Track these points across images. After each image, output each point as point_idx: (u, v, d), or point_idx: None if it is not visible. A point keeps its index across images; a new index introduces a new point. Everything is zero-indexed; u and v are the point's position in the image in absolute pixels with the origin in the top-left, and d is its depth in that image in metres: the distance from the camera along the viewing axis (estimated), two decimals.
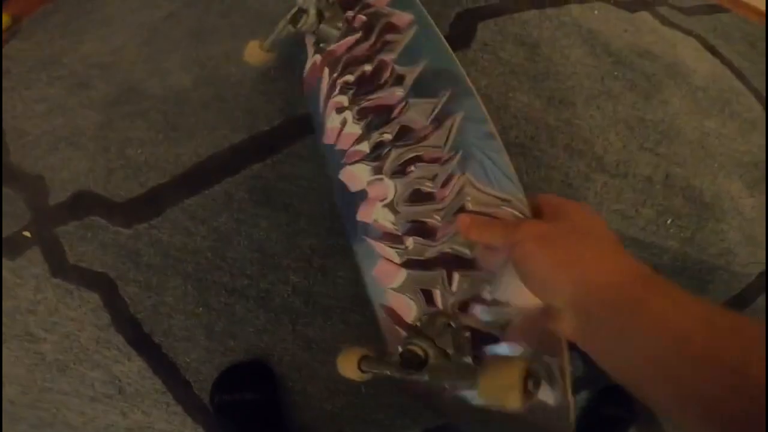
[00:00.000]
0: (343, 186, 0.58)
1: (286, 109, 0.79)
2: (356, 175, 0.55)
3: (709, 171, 0.87)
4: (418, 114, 0.49)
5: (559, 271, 0.32)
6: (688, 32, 1.00)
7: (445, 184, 0.46)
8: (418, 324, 0.47)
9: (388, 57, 0.53)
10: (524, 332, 0.40)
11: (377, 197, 0.53)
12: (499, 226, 0.38)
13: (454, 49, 0.89)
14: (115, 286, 0.74)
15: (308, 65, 0.65)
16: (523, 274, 0.34)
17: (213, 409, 0.75)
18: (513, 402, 0.32)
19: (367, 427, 0.74)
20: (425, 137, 0.48)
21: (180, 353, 0.75)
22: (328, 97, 0.60)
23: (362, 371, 0.47)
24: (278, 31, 0.60)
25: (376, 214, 0.53)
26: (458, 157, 0.45)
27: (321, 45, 0.62)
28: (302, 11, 0.58)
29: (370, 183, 0.54)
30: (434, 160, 0.47)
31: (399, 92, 0.52)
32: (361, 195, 0.55)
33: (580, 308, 0.30)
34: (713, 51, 0.99)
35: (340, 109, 0.58)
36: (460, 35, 0.85)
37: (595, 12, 0.93)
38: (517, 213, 0.40)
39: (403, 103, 0.51)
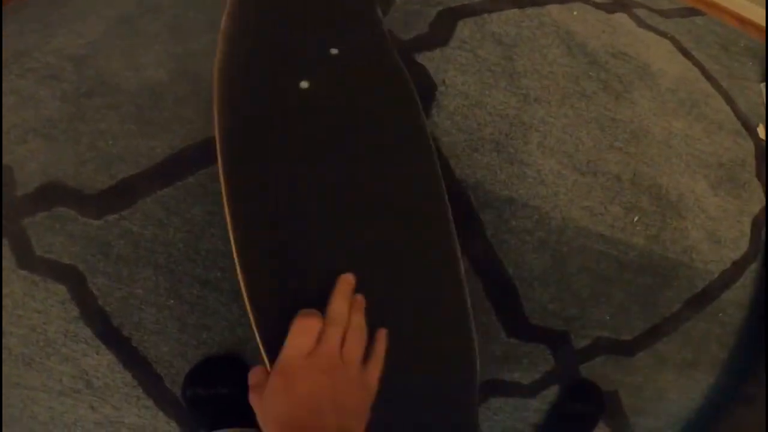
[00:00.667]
0: None
1: None
2: None
3: (675, 170, 0.88)
4: None
5: None
6: (663, 34, 1.01)
7: None
8: None
9: None
10: None
11: None
12: None
13: (433, 48, 0.91)
14: (84, 278, 0.72)
15: None
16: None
17: (185, 403, 0.74)
18: None
19: None
20: None
21: (151, 346, 0.74)
22: None
23: None
24: None
25: None
26: None
27: None
28: None
29: None
30: None
31: None
32: None
33: None
34: (686, 53, 1.00)
35: None
36: (440, 33, 0.85)
37: (574, 13, 0.94)
38: None
39: None
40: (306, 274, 0.50)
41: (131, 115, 0.75)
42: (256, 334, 0.47)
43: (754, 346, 0.91)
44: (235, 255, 0.49)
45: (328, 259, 0.50)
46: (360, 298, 0.47)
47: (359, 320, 0.45)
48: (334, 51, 0.56)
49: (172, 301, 0.74)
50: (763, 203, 0.93)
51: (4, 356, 0.75)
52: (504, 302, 0.82)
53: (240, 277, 0.48)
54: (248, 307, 0.47)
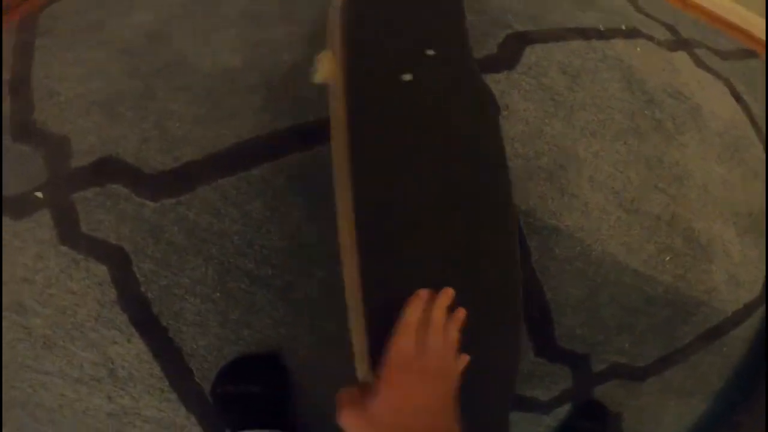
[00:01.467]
0: None
1: None
2: None
3: (710, 216, 0.91)
4: None
5: None
6: (719, 75, 1.02)
7: None
8: None
9: None
10: None
11: None
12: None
13: (500, 70, 0.86)
14: (129, 261, 0.68)
15: None
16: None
17: (213, 399, 0.70)
18: None
19: None
20: None
21: (188, 339, 0.69)
22: None
23: None
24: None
25: None
26: None
27: None
28: None
29: None
30: None
31: None
32: None
33: None
34: (737, 97, 1.01)
35: None
36: (507, 57, 0.86)
37: (638, 49, 0.95)
38: None
39: None
40: (412, 265, 0.50)
41: (201, 99, 0.70)
42: (359, 322, 0.47)
43: (748, 380, 0.97)
44: (346, 239, 0.48)
45: (420, 250, 0.51)
46: (462, 312, 0.48)
47: (454, 333, 0.46)
48: (430, 52, 0.58)
49: (218, 294, 0.70)
50: None
51: (22, 336, 0.69)
52: (537, 324, 0.83)
53: (351, 262, 0.47)
54: (358, 291, 0.47)
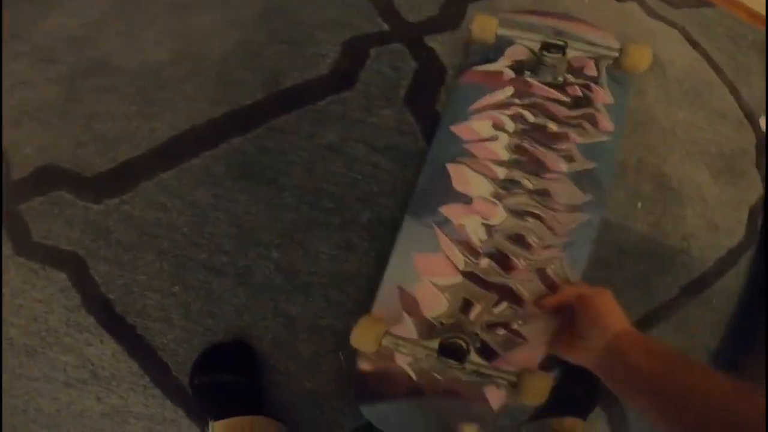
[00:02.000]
0: (443, 173, 0.66)
1: (268, 83, 0.74)
2: (469, 182, 0.65)
3: (678, 159, 0.87)
4: (563, 191, 0.65)
5: (613, 321, 0.52)
6: (673, 24, 0.98)
7: (546, 248, 0.63)
8: (443, 323, 0.59)
9: (575, 137, 0.67)
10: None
11: (480, 212, 0.64)
12: (571, 290, 0.59)
13: (443, 31, 0.83)
14: (85, 265, 0.68)
15: (493, 67, 0.71)
16: (596, 313, 0.54)
17: (192, 391, 0.70)
18: (542, 400, 0.54)
19: (344, 404, 0.72)
20: (556, 210, 0.65)
21: (156, 334, 0.70)
22: (494, 108, 0.68)
23: (382, 345, 0.54)
24: (520, 38, 0.67)
25: (467, 222, 0.64)
26: (568, 240, 0.64)
27: (526, 72, 0.69)
28: (560, 48, 0.64)
29: (481, 198, 0.64)
30: (551, 228, 0.64)
31: (562, 166, 0.66)
32: (462, 197, 0.65)
33: (611, 349, 0.50)
34: (694, 44, 0.97)
35: (498, 127, 0.67)
36: (450, 17, 0.82)
37: (586, 1, 0.90)
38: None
39: (559, 176, 0.66)
40: None
41: (131, 96, 0.69)
42: None
43: (742, 335, 0.92)
44: None
45: None
46: None
47: None
48: None
49: (176, 288, 0.70)
50: (761, 193, 0.92)
51: (6, 347, 0.70)
52: None
53: None
54: None
